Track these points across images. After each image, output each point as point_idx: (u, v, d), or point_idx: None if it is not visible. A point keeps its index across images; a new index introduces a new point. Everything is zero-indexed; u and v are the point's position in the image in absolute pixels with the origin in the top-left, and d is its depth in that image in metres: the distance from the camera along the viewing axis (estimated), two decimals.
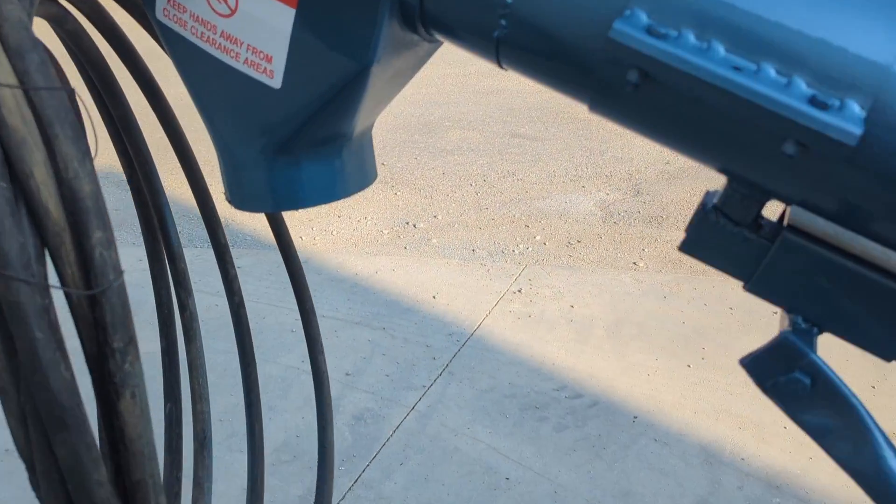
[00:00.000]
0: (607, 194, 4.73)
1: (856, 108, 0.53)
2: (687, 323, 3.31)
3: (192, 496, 0.91)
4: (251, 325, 1.20)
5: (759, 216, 0.81)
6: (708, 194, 0.83)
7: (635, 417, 2.75)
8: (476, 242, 4.11)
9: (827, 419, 0.77)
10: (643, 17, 0.54)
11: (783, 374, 0.77)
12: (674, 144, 0.63)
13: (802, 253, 0.78)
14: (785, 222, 0.81)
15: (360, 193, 0.83)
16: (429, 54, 0.78)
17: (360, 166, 0.82)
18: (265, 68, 0.69)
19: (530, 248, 4.03)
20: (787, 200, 0.66)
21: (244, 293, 1.16)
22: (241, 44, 0.68)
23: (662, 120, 0.60)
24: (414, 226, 4.36)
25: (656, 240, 4.12)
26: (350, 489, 2.41)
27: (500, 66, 0.65)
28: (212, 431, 1.00)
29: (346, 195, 0.81)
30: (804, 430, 0.80)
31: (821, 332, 0.86)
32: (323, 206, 4.60)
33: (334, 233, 4.32)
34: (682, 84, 0.53)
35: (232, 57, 0.69)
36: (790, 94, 0.53)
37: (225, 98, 0.73)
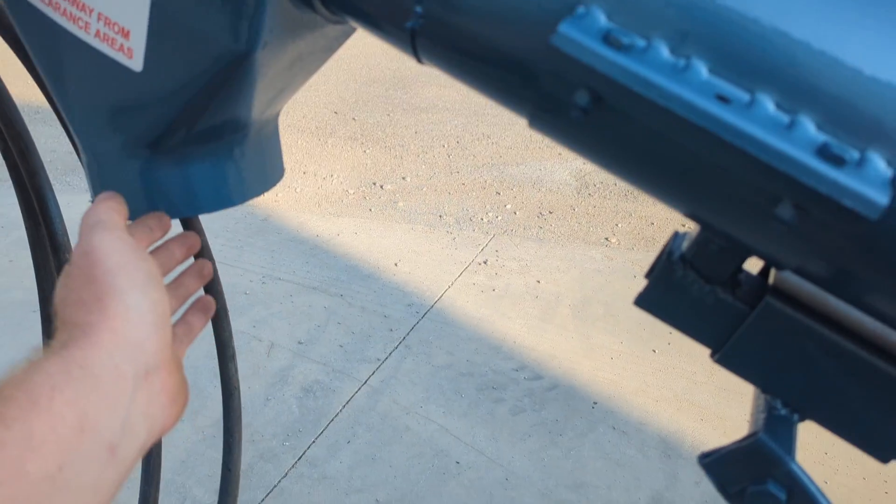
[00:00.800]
0: (584, 163, 4.58)
1: (881, 166, 0.38)
2: None
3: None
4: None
5: (737, 271, 0.66)
6: (676, 238, 0.67)
7: (595, 403, 2.66)
8: (444, 208, 3.96)
9: None
10: (601, 19, 0.38)
11: (753, 483, 0.63)
12: (634, 183, 0.48)
13: (788, 323, 0.63)
14: (770, 282, 0.66)
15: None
16: (345, 35, 0.62)
17: (260, 166, 0.67)
18: (122, 45, 0.53)
19: (500, 217, 3.90)
20: (776, 265, 0.52)
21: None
22: (91, 11, 0.52)
23: (619, 155, 0.45)
24: (381, 187, 4.19)
25: (630, 215, 4.00)
26: (293, 467, 2.30)
27: (419, 61, 0.50)
28: None
29: (242, 200, 0.66)
30: None
31: (802, 419, 0.72)
32: (287, 162, 4.37)
33: (298, 190, 4.14)
34: (647, 115, 0.38)
35: (81, 27, 0.54)
36: (793, 140, 0.38)
37: (77, 80, 0.58)
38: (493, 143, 4.79)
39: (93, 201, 0.61)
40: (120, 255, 0.50)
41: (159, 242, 0.63)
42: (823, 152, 0.37)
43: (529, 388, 2.71)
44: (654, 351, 2.93)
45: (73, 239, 1.06)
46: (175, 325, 0.61)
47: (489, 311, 3.11)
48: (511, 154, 4.65)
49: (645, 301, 0.67)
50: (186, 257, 0.66)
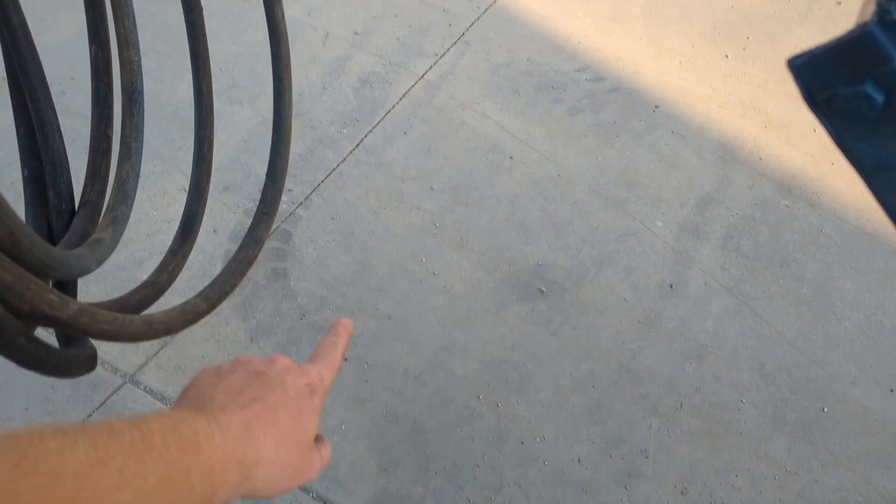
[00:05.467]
0: None
1: None
2: (736, 7, 2.97)
3: (119, 155, 0.81)
4: None
5: None
6: None
7: (656, 107, 2.59)
8: None
9: (890, 152, 0.59)
10: None
11: (847, 84, 0.57)
12: None
13: None
14: None
15: None
16: None
17: None
18: None
19: None
20: None
21: None
22: None
23: None
24: None
25: None
26: (351, 153, 2.37)
27: None
28: (143, 84, 0.86)
29: None
30: (852, 163, 0.63)
31: None
32: None
33: None
34: None
35: None
36: None
37: None
38: None
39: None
40: (310, 420, 0.57)
41: None
42: None
43: (590, 89, 2.63)
44: (727, 56, 2.77)
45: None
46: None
47: (555, 9, 2.93)
48: None
49: None
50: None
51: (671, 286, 2.09)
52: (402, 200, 2.24)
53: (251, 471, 0.50)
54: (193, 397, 0.54)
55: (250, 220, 0.97)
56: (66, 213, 0.74)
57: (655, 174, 2.37)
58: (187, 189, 0.93)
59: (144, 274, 1.92)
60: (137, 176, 0.81)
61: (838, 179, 2.37)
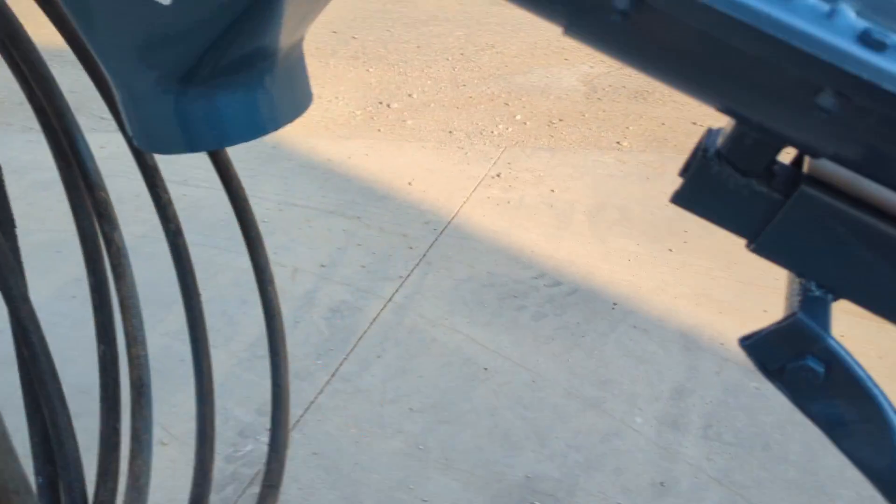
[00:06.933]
0: (591, 67, 4.51)
1: None
2: (670, 205, 3.23)
3: (130, 451, 0.84)
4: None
5: (772, 163, 0.68)
6: (710, 134, 0.69)
7: (615, 304, 2.72)
8: (453, 123, 3.94)
9: (840, 410, 0.68)
10: None
11: (792, 360, 0.67)
12: (672, 83, 0.50)
13: (822, 209, 0.66)
14: (804, 170, 0.68)
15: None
16: None
17: (290, 92, 0.69)
18: None
19: (510, 129, 3.88)
20: (812, 154, 0.54)
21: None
22: None
23: (659, 56, 0.46)
24: (388, 105, 4.16)
25: (641, 117, 3.96)
26: (328, 383, 2.40)
27: None
28: (150, 377, 0.91)
29: (275, 127, 0.68)
30: (812, 421, 0.71)
31: (836, 298, 0.75)
32: None
33: (304, 114, 4.11)
34: (689, 14, 0.39)
35: None
36: (833, 28, 0.39)
37: (109, 17, 0.59)
38: (498, 52, 4.71)
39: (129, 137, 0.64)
40: None
41: None
42: (864, 38, 0.39)
43: (550, 294, 2.77)
44: (671, 250, 2.97)
45: (106, 177, 1.10)
46: None
47: (506, 224, 3.14)
48: (517, 63, 4.58)
49: (681, 198, 0.70)
50: None
51: (662, 484, 2.08)
52: (383, 426, 2.25)
53: None
54: None
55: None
56: None
57: (625, 370, 2.44)
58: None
59: None
60: (150, 470, 0.84)
61: None
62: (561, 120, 3.91)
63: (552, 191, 3.34)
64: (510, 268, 2.89)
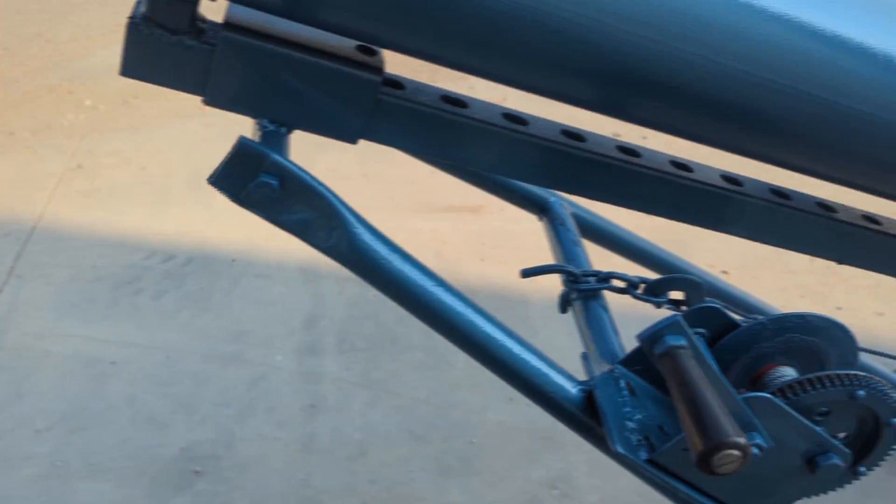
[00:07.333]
0: None
1: None
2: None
3: None
4: None
5: (195, 19, 0.75)
6: (138, 3, 0.74)
7: (233, 260, 2.74)
8: (12, 123, 3.51)
9: (303, 214, 0.79)
10: None
11: (251, 181, 0.76)
12: None
13: (250, 51, 0.75)
14: (223, 20, 0.76)
15: None
16: None
17: None
18: None
19: (81, 117, 3.58)
20: None
21: None
22: None
23: None
24: None
25: None
26: None
27: None
28: None
29: None
30: (287, 232, 0.82)
31: (290, 130, 0.86)
32: None
33: None
34: None
35: None
36: None
37: None
38: (48, 40, 4.27)
39: None
40: None
41: None
42: None
43: (165, 269, 2.69)
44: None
45: None
46: None
47: (101, 213, 2.94)
48: (73, 48, 4.21)
49: (127, 69, 0.75)
50: None
51: (312, 405, 2.20)
52: (7, 458, 2.01)
53: None
54: None
55: None
56: None
57: (257, 317, 2.50)
58: None
59: None
60: None
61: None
62: (136, 97, 3.72)
63: (143, 168, 3.20)
64: (116, 256, 2.73)
